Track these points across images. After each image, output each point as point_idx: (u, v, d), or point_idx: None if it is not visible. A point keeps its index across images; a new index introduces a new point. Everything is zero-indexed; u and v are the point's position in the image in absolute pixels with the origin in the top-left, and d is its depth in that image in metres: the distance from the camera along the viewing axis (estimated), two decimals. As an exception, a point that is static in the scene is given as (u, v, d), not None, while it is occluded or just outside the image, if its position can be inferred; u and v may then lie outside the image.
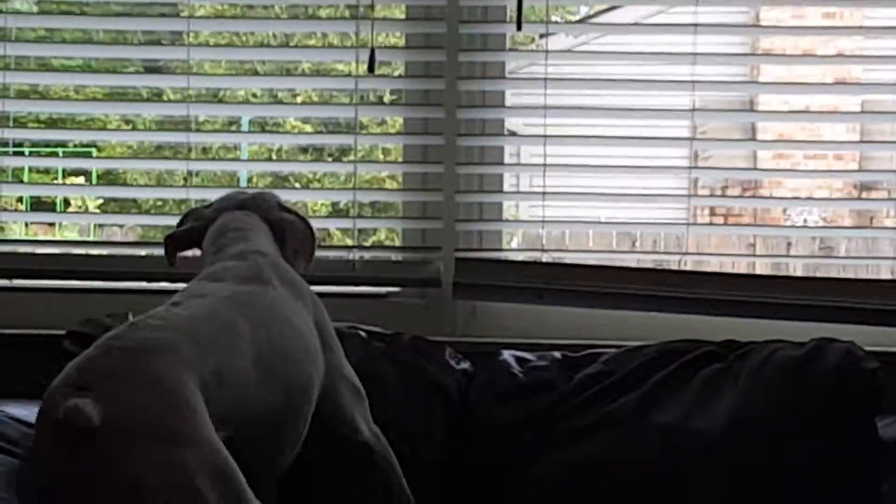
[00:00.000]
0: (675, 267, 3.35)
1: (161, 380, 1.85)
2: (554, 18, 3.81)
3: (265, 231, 2.58)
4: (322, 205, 4.77)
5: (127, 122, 6.91)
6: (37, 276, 3.38)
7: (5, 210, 3.64)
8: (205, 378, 1.94)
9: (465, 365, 2.96)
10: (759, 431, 2.71)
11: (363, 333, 2.91)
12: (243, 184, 5.73)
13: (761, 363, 2.82)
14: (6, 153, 3.47)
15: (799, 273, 3.69)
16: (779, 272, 3.80)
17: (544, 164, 3.34)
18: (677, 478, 2.69)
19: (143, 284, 3.31)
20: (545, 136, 3.35)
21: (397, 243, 3.53)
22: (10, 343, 3.20)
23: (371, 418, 2.55)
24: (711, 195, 8.50)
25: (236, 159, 6.37)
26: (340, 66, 3.75)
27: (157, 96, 4.25)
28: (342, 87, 3.68)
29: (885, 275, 3.54)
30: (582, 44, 7.57)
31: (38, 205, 7.14)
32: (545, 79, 3.32)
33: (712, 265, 3.49)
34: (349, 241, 3.39)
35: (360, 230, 3.40)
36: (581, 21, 8.47)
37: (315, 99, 3.92)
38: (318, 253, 2.72)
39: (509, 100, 3.47)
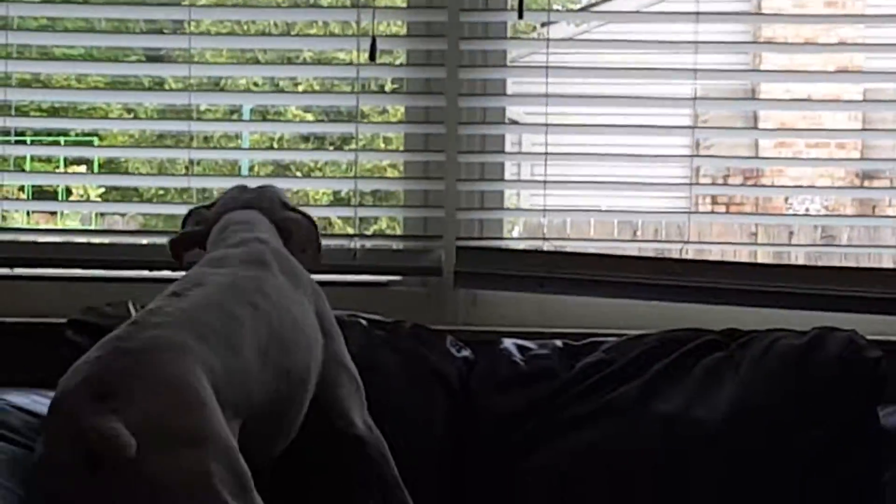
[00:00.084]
0: (676, 255, 3.35)
1: (175, 380, 1.85)
2: (555, 7, 3.81)
3: (269, 225, 2.58)
4: (323, 193, 4.78)
5: (128, 110, 6.90)
6: (38, 264, 3.38)
7: (7, 199, 3.63)
8: (213, 373, 1.93)
9: (466, 353, 2.96)
10: (761, 420, 2.71)
11: (364, 322, 2.91)
12: (245, 172, 5.73)
13: (763, 352, 2.82)
14: (8, 142, 3.47)
15: (801, 262, 3.69)
16: (780, 261, 3.80)
17: (545, 153, 3.34)
18: (678, 467, 2.69)
19: (145, 273, 3.31)
20: (546, 125, 3.35)
21: (398, 232, 3.53)
22: (11, 331, 3.20)
23: (367, 411, 2.54)
24: (713, 184, 8.47)
25: (238, 148, 6.38)
26: (342, 55, 3.75)
27: (158, 85, 4.25)
28: (343, 76, 3.68)
29: (887, 263, 3.54)
30: (583, 32, 7.55)
31: (39, 193, 7.13)
32: (546, 67, 3.31)
33: (714, 254, 3.49)
34: (350, 230, 3.38)
35: (361, 219, 3.40)
36: (583, 9, 8.49)
37: (316, 88, 3.92)
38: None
39: (511, 88, 3.47)
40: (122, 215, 6.19)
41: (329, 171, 6.62)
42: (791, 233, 6.99)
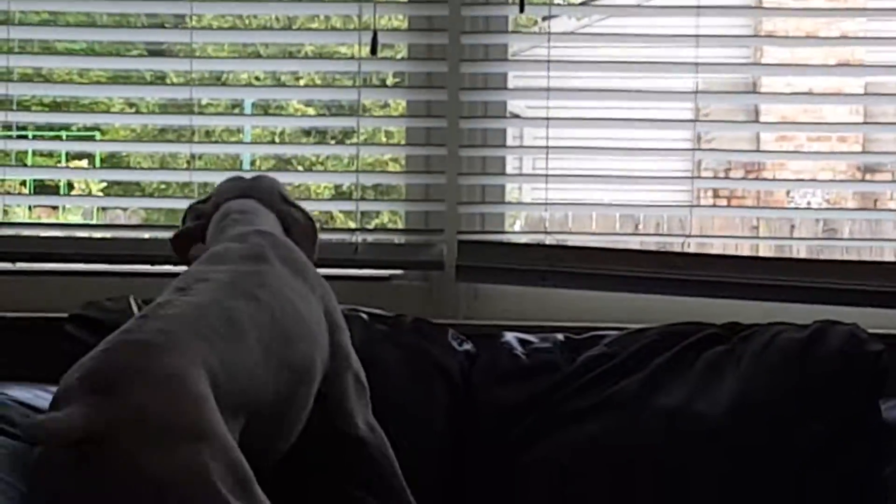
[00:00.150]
0: (678, 249, 3.36)
1: (175, 376, 1.84)
2: (556, 1, 3.80)
3: (270, 216, 2.57)
4: (325, 187, 4.78)
5: (130, 105, 6.91)
6: (40, 259, 3.38)
7: (9, 193, 3.64)
8: (214, 370, 1.93)
9: (468, 347, 2.96)
10: (762, 414, 2.71)
11: (365, 316, 2.91)
12: (246, 166, 5.72)
13: (764, 346, 2.82)
14: (10, 137, 3.48)
15: (802, 255, 3.67)
16: (782, 254, 3.79)
17: (547, 147, 3.34)
18: (679, 460, 2.69)
19: (147, 267, 3.31)
20: (548, 119, 3.35)
21: (400, 226, 3.54)
22: (13, 326, 3.21)
23: (370, 411, 2.54)
24: (715, 177, 8.46)
25: (239, 142, 6.38)
26: (343, 49, 3.76)
27: (160, 79, 4.24)
28: (345, 70, 3.68)
29: (889, 257, 3.54)
30: (585, 26, 7.56)
31: (41, 188, 7.14)
32: (548, 61, 3.31)
33: (715, 247, 3.50)
34: (352, 224, 3.39)
35: (362, 213, 3.40)
36: (584, 3, 8.46)
37: (318, 82, 3.92)
38: (321, 236, 2.71)
39: (512, 82, 3.47)
40: (124, 210, 6.20)
41: (330, 165, 6.63)
42: (792, 226, 6.98)
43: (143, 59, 4.22)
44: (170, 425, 1.77)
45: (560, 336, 2.98)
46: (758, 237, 6.12)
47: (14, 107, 3.44)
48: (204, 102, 3.67)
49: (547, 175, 3.35)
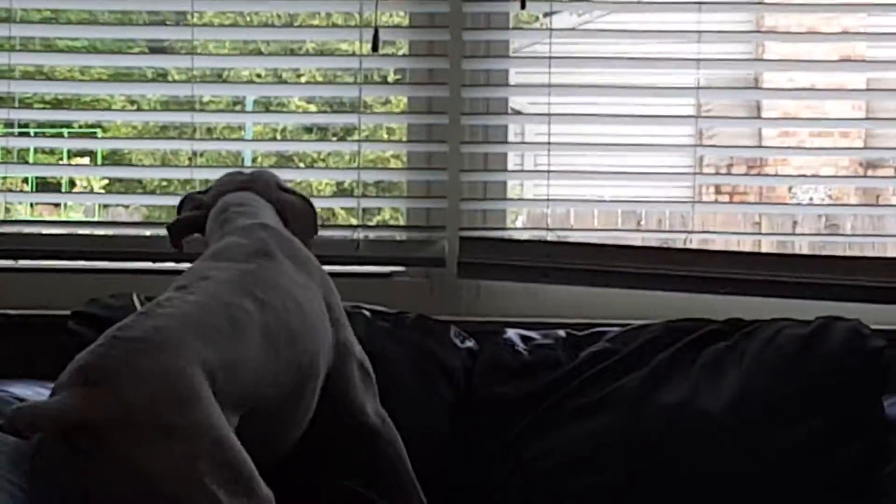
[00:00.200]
0: (680, 245, 3.35)
1: (165, 373, 1.84)
2: (558, -3, 3.78)
3: (268, 208, 2.57)
4: (326, 184, 4.78)
5: (132, 102, 6.90)
6: (42, 256, 3.38)
7: (10, 191, 3.64)
8: (212, 367, 1.93)
9: (470, 344, 2.96)
10: (764, 411, 2.71)
11: (367, 313, 2.92)
12: (248, 163, 5.71)
13: (766, 342, 2.82)
14: (11, 134, 3.47)
15: (804, 251, 3.68)
16: (784, 250, 3.79)
17: (548, 143, 3.34)
18: (681, 457, 2.69)
19: (148, 265, 3.31)
20: (549, 115, 3.35)
21: (402, 222, 3.53)
22: (15, 323, 3.21)
23: (379, 401, 2.55)
24: (717, 173, 8.47)
25: (241, 139, 6.38)
26: (344, 46, 3.75)
27: (161, 77, 4.24)
28: (346, 67, 3.68)
29: (891, 252, 3.54)
30: (586, 22, 7.53)
31: (43, 185, 7.12)
32: (549, 57, 3.31)
33: (717, 243, 3.49)
34: (353, 221, 3.38)
35: (364, 209, 3.40)
36: (585, -1, 8.43)
37: (319, 78, 3.92)
38: (322, 232, 2.71)
39: (513, 78, 3.47)
40: (126, 207, 6.21)
41: (332, 162, 6.62)
42: (795, 222, 6.98)
43: (145, 56, 4.23)
44: (158, 422, 1.77)
45: (562, 332, 2.98)
46: (760, 233, 6.13)
47: (16, 104, 3.44)
48: (205, 99, 3.66)
49: (549, 171, 3.35)
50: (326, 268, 2.59)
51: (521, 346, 2.92)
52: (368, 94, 3.45)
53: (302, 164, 6.85)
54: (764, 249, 4.45)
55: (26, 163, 4.88)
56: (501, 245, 3.30)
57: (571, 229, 3.69)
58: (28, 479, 1.98)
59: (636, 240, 3.43)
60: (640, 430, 2.73)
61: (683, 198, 3.66)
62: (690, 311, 3.00)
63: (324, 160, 6.86)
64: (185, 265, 2.39)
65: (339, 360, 2.44)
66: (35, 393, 2.52)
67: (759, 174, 8.41)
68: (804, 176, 6.20)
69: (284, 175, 2.79)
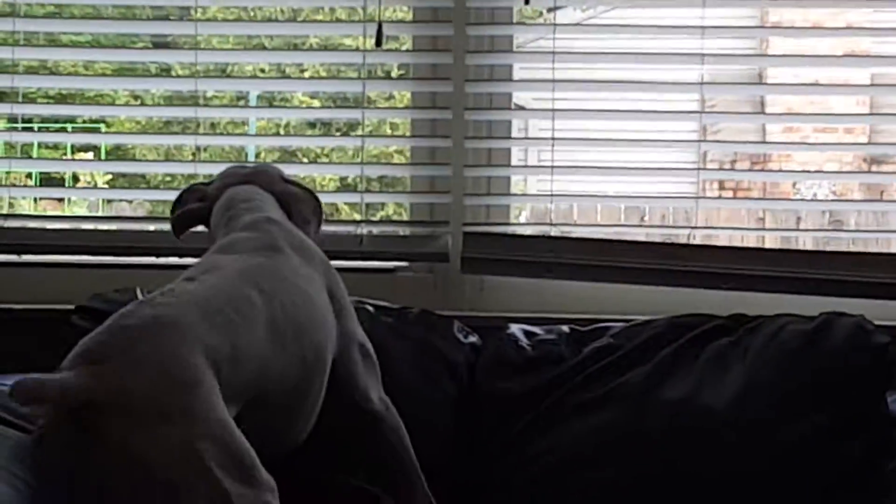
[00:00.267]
0: (683, 241, 3.35)
1: (167, 356, 1.85)
2: (562, -8, 3.78)
3: (272, 201, 2.58)
4: (330, 179, 4.77)
5: (135, 97, 6.92)
6: (46, 251, 3.38)
7: (14, 186, 3.64)
8: (217, 353, 1.93)
9: (474, 339, 2.97)
10: (768, 407, 2.71)
11: (371, 308, 2.92)
12: (251, 159, 5.74)
13: (770, 337, 2.81)
14: (15, 129, 3.47)
15: (808, 247, 3.67)
16: (788, 246, 3.78)
17: (552, 138, 3.34)
18: (684, 452, 2.69)
19: (152, 259, 3.31)
20: (553, 110, 3.35)
21: (405, 218, 3.53)
22: (19, 318, 3.21)
23: (382, 388, 2.55)
24: (720, 169, 8.48)
25: (244, 134, 6.37)
26: (348, 41, 3.75)
27: (165, 71, 4.24)
28: (350, 62, 3.68)
29: None
30: (590, 17, 7.54)
31: (47, 180, 7.15)
32: (553, 52, 3.31)
33: (721, 239, 3.49)
34: (357, 216, 3.39)
35: (367, 205, 3.40)
36: (589, -6, 8.42)
37: (323, 74, 3.91)
38: (326, 228, 2.71)
39: (517, 74, 3.47)
40: (130, 202, 6.19)
41: (336, 157, 6.64)
42: (798, 218, 6.96)
43: (149, 51, 4.22)
44: (157, 407, 1.77)
45: (565, 328, 2.98)
46: (764, 229, 6.11)
47: (20, 99, 3.44)
48: (209, 94, 3.67)
49: (552, 167, 3.35)
50: (330, 262, 2.58)
51: (524, 341, 2.92)
52: (372, 89, 3.45)
53: (305, 160, 6.87)
54: (768, 245, 4.44)
55: (30, 158, 4.88)
56: (505, 240, 3.30)
57: (575, 225, 3.69)
58: (31, 469, 1.99)
59: (640, 235, 3.43)
60: (643, 425, 2.73)
61: (687, 193, 3.66)
62: (694, 306, 3.00)
63: (327, 155, 6.87)
64: (189, 260, 2.39)
65: (343, 349, 2.44)
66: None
67: (762, 170, 8.42)
68: (808, 172, 6.17)
69: (288, 170, 2.79)
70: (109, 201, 6.72)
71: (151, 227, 3.47)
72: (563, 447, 2.74)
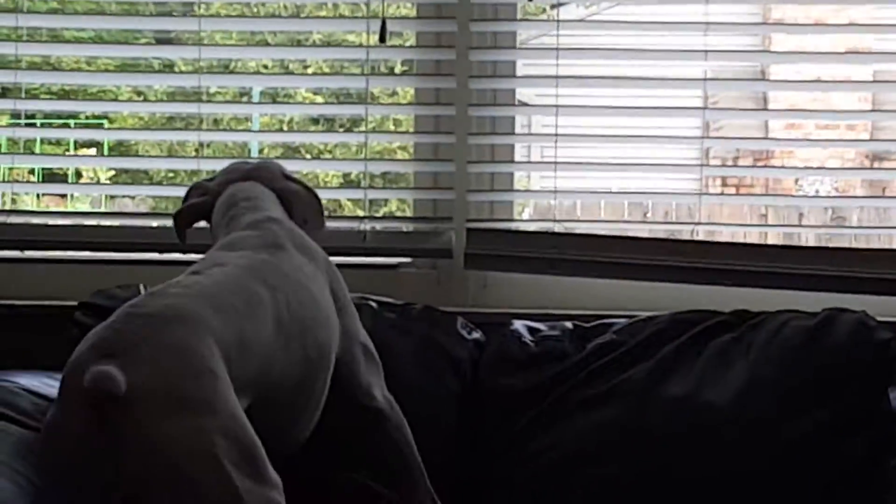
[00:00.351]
0: (686, 237, 3.35)
1: (183, 347, 1.85)
2: (565, -12, 3.79)
3: (273, 199, 2.58)
4: (333, 175, 4.78)
5: (138, 93, 6.91)
6: (49, 247, 3.38)
7: (17, 182, 3.64)
8: (227, 345, 1.93)
9: (477, 335, 2.97)
10: (770, 403, 2.71)
11: (374, 304, 2.92)
12: (254, 155, 5.73)
13: (773, 333, 2.82)
14: (18, 124, 3.48)
15: (811, 243, 3.67)
16: (791, 242, 3.78)
17: (556, 135, 3.34)
18: (687, 448, 2.69)
19: (155, 255, 3.32)
20: (556, 106, 3.35)
21: (408, 214, 3.53)
22: (22, 314, 3.21)
23: (385, 385, 2.56)
24: (723, 165, 8.47)
25: (247, 130, 6.38)
26: (351, 37, 3.75)
27: (168, 67, 4.24)
28: (353, 58, 3.68)
29: (898, 244, 3.53)
30: (593, 13, 7.55)
31: (49, 176, 7.15)
32: (557, 48, 3.31)
33: (724, 235, 3.49)
34: (360, 212, 3.39)
35: (371, 201, 3.40)
36: (592, -9, 8.43)
37: (326, 70, 3.91)
38: (330, 224, 2.71)
39: (521, 70, 3.47)
40: (132, 198, 6.21)
41: (339, 154, 6.63)
42: (801, 214, 6.98)
43: (152, 47, 4.23)
44: (175, 396, 1.77)
45: (568, 324, 2.98)
46: (766, 225, 6.11)
47: (22, 95, 3.44)
48: (212, 90, 3.67)
49: (556, 163, 3.35)
50: (333, 259, 2.59)
51: (527, 337, 2.92)
52: (375, 85, 3.45)
53: (309, 156, 6.85)
54: (770, 241, 4.45)
55: (33, 153, 4.89)
56: (508, 236, 3.30)
57: (578, 221, 3.69)
58: (35, 464, 1.99)
59: (643, 231, 3.43)
60: (646, 421, 2.73)
61: (690, 189, 3.67)
62: (697, 302, 3.00)
63: (330, 151, 6.87)
64: (193, 256, 2.39)
65: (346, 347, 2.45)
66: (42, 383, 2.52)
67: (765, 166, 8.41)
68: (810, 168, 6.19)
69: (291, 166, 2.79)
70: (112, 197, 6.74)
71: (154, 224, 3.47)
72: (566, 443, 2.74)
